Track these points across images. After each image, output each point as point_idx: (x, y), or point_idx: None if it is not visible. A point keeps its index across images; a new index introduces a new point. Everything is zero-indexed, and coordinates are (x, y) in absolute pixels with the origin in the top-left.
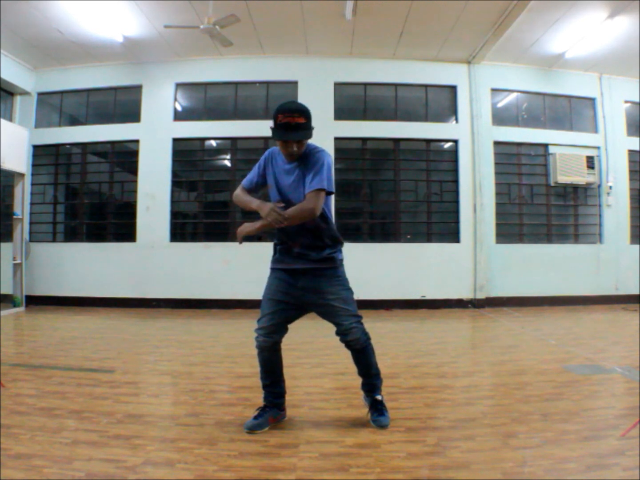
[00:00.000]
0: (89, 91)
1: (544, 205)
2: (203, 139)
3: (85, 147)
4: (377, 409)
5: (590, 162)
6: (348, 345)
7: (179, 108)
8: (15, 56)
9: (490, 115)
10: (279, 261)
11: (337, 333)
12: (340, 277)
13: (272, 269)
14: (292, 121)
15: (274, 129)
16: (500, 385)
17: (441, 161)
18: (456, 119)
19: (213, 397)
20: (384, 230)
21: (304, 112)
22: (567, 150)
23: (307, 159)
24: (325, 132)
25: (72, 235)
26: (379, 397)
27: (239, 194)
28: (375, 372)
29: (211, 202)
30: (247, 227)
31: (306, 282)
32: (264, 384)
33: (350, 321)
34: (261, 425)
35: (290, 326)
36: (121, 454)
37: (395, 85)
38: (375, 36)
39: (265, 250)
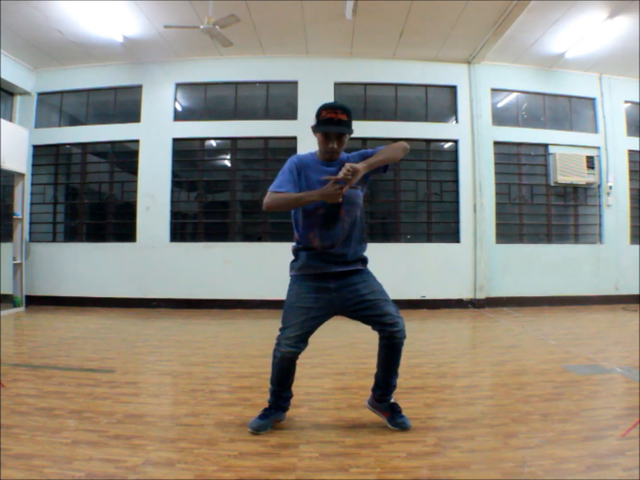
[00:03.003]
0: (89, 91)
1: (544, 205)
2: (203, 139)
3: (85, 147)
4: (397, 411)
5: (590, 162)
6: (392, 337)
7: (179, 108)
8: (15, 56)
9: (490, 115)
10: (309, 266)
11: (383, 325)
12: (370, 273)
13: (298, 276)
14: (335, 117)
15: (316, 125)
16: (500, 385)
17: (441, 161)
18: (456, 119)
19: (213, 397)
20: (384, 230)
21: (347, 111)
22: (567, 150)
23: (350, 160)
24: None
25: (72, 235)
26: (393, 400)
27: (282, 197)
28: (398, 372)
29: (211, 202)
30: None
31: (341, 282)
32: (274, 389)
33: (396, 311)
34: (266, 426)
35: None
36: (121, 454)
37: (395, 85)
38: (375, 36)
39: (265, 251)
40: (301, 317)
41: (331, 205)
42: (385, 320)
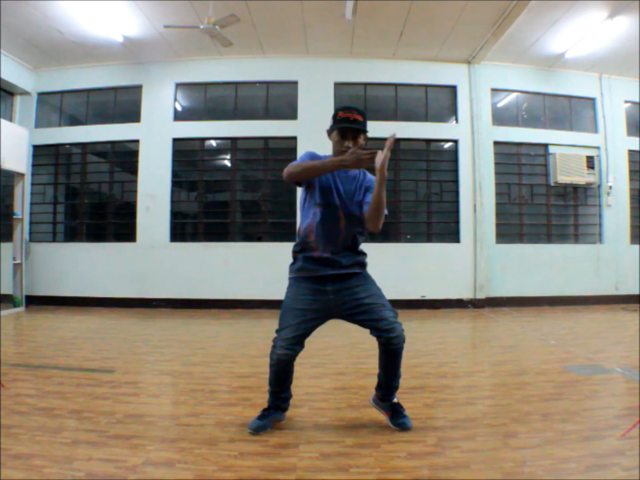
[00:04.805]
0: (89, 91)
1: (544, 205)
2: (203, 139)
3: (85, 147)
4: (399, 411)
5: (590, 162)
6: (389, 343)
7: (179, 108)
8: (15, 56)
9: (490, 115)
10: (305, 269)
11: (379, 331)
12: (370, 277)
13: (295, 278)
14: (352, 116)
15: (332, 125)
16: (500, 385)
17: (441, 161)
18: (456, 119)
19: (213, 397)
20: (384, 230)
21: (363, 113)
22: (567, 150)
23: (364, 175)
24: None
25: (72, 235)
26: (395, 400)
27: (303, 163)
28: (399, 374)
29: (211, 202)
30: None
31: (337, 285)
32: (272, 390)
33: (393, 316)
34: (265, 427)
35: None
36: (121, 454)
37: (395, 85)
38: (375, 36)
39: (265, 251)
40: (297, 318)
41: (328, 206)
42: (381, 325)
